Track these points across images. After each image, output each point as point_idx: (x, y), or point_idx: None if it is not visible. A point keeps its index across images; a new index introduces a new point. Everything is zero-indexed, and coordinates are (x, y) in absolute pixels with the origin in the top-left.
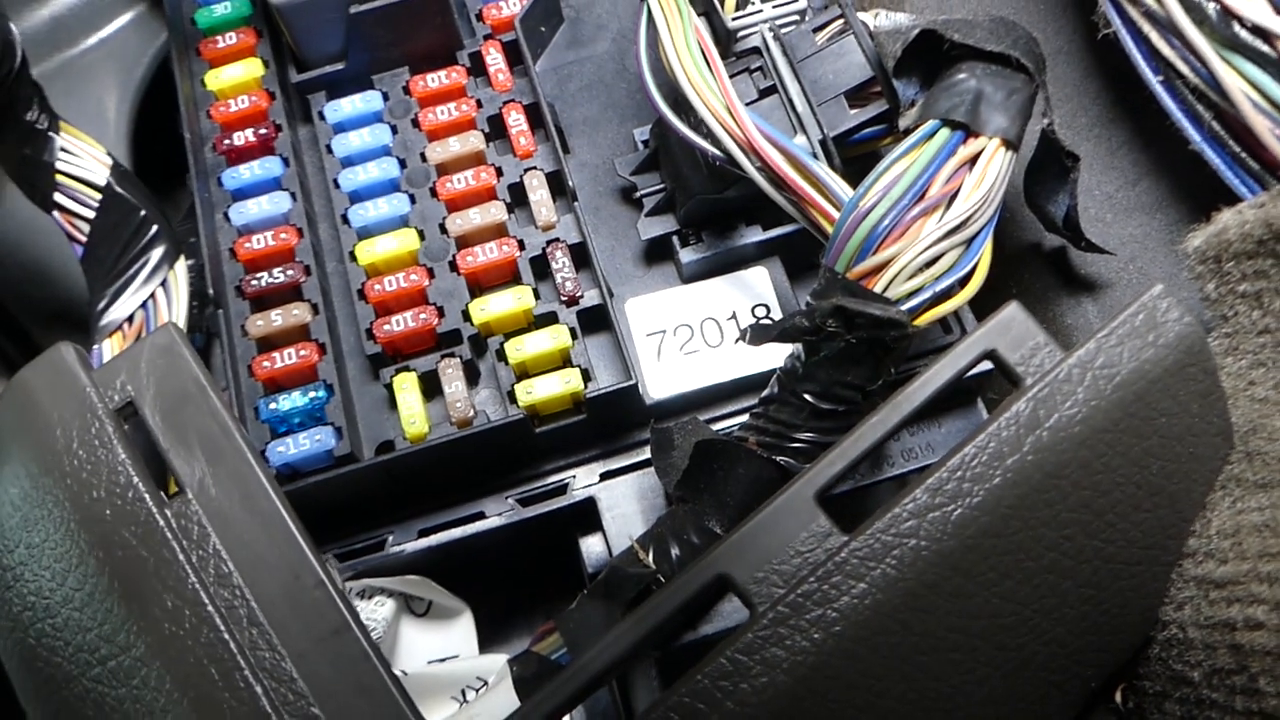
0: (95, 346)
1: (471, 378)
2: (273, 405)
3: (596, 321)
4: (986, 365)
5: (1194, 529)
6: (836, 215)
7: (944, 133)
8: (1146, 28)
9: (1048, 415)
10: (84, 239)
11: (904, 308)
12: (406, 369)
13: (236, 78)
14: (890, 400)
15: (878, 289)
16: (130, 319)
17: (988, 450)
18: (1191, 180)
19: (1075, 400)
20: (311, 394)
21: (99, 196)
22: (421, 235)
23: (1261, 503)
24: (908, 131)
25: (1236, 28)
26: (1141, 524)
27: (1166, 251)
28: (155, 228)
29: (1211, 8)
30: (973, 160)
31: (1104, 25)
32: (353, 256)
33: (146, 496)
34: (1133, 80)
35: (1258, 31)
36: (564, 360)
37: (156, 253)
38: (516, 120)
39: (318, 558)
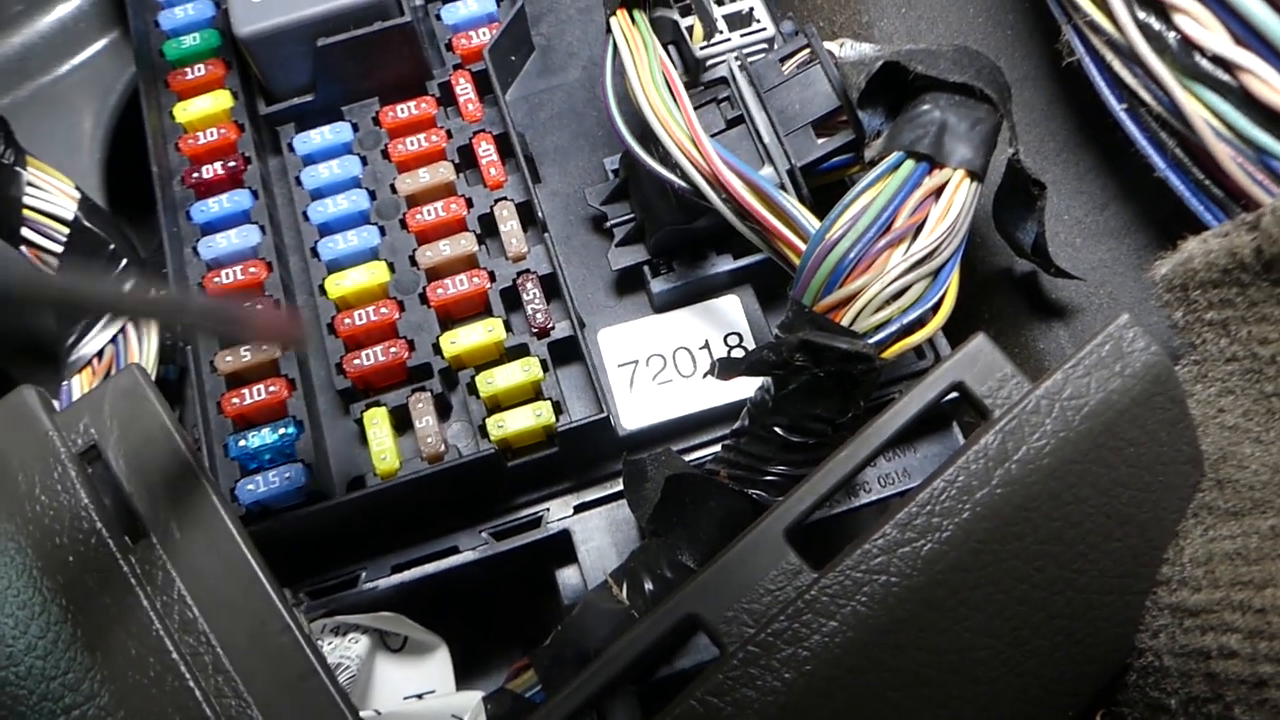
0: (64, 383)
1: (443, 411)
2: (242, 442)
3: (568, 353)
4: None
5: (1167, 557)
6: (803, 247)
7: (909, 164)
8: (1109, 56)
9: (1016, 448)
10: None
11: (872, 341)
12: (377, 404)
13: (205, 110)
14: (858, 434)
15: (845, 322)
16: (100, 354)
17: (956, 484)
18: (1159, 205)
19: (1043, 432)
20: (281, 430)
21: (67, 231)
22: (391, 268)
23: (1233, 530)
24: (874, 162)
25: (1197, 57)
26: (1113, 554)
27: (1136, 276)
28: (125, 261)
29: (1172, 37)
30: (938, 191)
31: (1067, 53)
32: (323, 290)
33: (110, 542)
34: (1099, 105)
35: (1218, 61)
36: (535, 393)
37: (126, 287)
38: (486, 150)
39: (284, 602)
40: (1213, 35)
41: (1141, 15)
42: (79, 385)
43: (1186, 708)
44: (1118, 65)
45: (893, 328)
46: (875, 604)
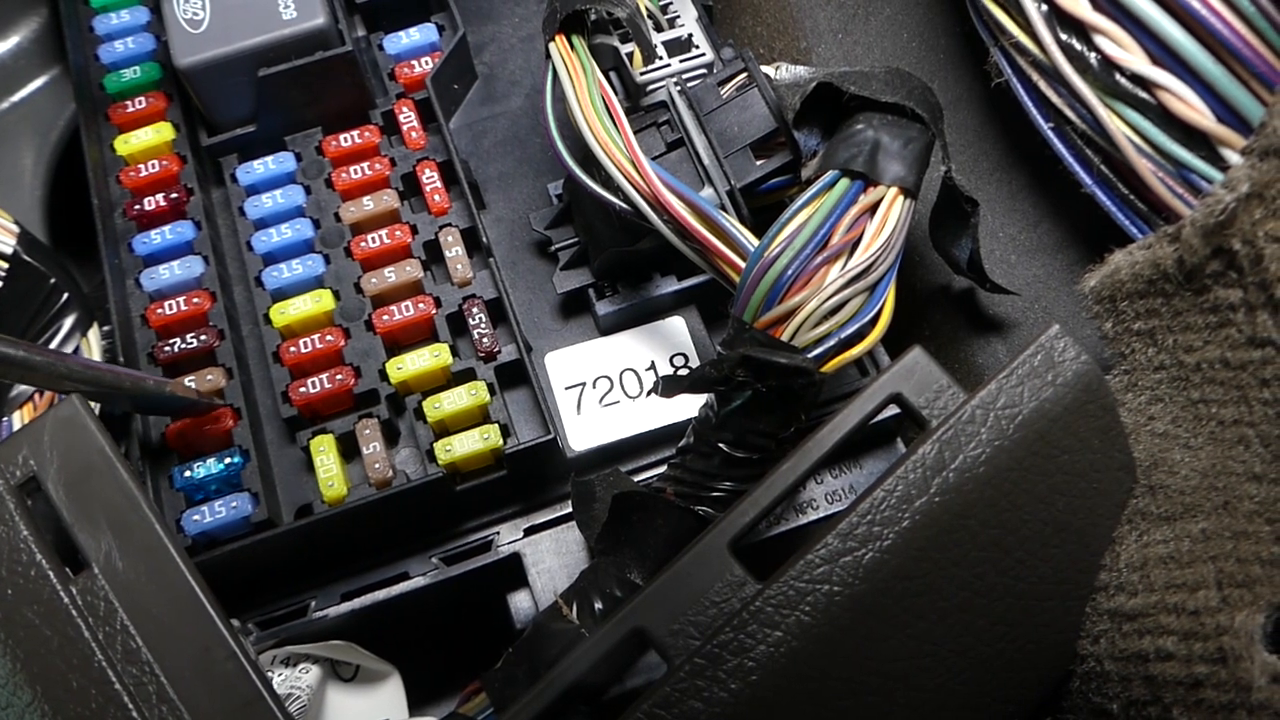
0: (5, 419)
1: (390, 437)
2: (188, 473)
3: (515, 376)
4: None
5: (1104, 563)
6: (743, 265)
7: (844, 183)
8: (1035, 76)
9: (953, 457)
10: None
11: (811, 355)
12: (324, 431)
13: (146, 142)
14: (799, 448)
15: (785, 337)
16: (41, 390)
17: (896, 493)
18: (1089, 221)
19: (979, 441)
20: (227, 460)
21: (6, 266)
22: (337, 295)
23: (1166, 535)
24: (810, 181)
25: (1117, 76)
26: (1051, 559)
27: (1069, 290)
28: (66, 295)
29: (1093, 57)
30: (873, 209)
31: (996, 75)
32: (267, 319)
33: (50, 574)
34: (1029, 126)
35: (1137, 80)
36: (483, 416)
37: (68, 321)
38: (430, 178)
39: (229, 629)
40: (1131, 55)
41: (1064, 36)
42: (19, 420)
43: (1128, 711)
44: (1043, 85)
45: (831, 342)
46: (819, 613)
